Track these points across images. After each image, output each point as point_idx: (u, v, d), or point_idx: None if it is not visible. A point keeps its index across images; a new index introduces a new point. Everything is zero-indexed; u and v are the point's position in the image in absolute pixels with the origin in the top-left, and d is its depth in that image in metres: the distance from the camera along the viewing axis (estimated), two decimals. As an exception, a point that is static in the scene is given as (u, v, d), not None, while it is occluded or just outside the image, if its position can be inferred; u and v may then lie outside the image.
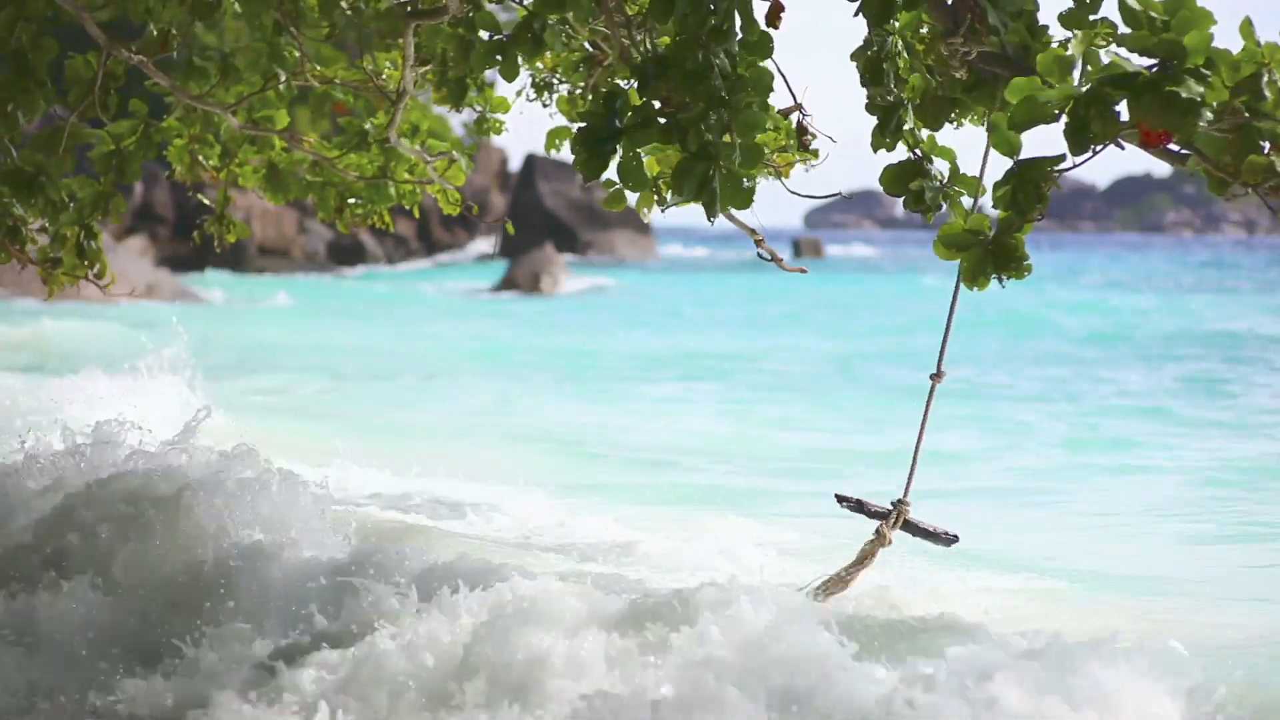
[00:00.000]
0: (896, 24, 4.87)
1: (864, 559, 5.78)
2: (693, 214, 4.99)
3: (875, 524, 5.76)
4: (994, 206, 4.42)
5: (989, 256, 4.47)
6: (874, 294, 43.64)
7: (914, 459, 5.70)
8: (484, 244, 68.29)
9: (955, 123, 5.01)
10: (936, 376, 5.65)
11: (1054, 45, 4.32)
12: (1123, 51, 3.73)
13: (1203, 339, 28.31)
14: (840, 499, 5.78)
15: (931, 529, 5.77)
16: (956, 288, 5.19)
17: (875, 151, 5.02)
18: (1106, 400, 18.45)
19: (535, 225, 62.34)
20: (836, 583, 5.82)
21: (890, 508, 5.73)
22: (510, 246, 60.42)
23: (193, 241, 8.36)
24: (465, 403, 17.86)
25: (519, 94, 6.57)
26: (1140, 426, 15.51)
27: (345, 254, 61.45)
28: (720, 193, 4.62)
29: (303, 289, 43.38)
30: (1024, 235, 4.46)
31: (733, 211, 5.82)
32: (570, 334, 29.28)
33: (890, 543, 5.76)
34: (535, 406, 17.58)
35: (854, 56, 4.93)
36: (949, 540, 5.79)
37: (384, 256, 63.26)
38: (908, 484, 5.70)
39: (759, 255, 5.75)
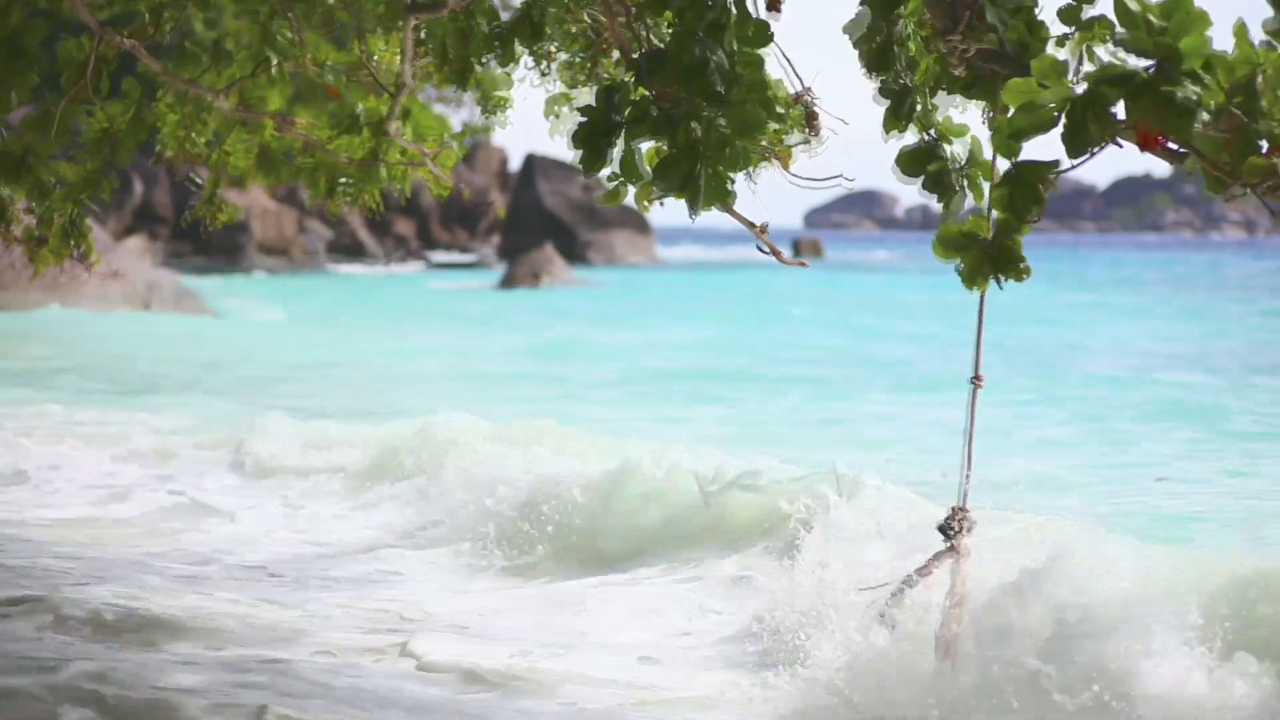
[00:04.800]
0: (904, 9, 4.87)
1: (964, 593, 5.71)
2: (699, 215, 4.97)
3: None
4: (991, 208, 4.42)
5: (987, 258, 4.47)
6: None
7: (967, 465, 5.60)
8: (484, 244, 68.27)
9: (961, 108, 5.01)
10: (976, 380, 5.62)
11: (1053, 40, 4.34)
12: (1120, 52, 3.74)
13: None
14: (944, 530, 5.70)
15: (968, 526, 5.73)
16: (983, 294, 5.20)
17: (888, 133, 5.00)
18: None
19: (535, 225, 62.37)
20: (953, 627, 5.72)
21: (958, 520, 5.64)
22: (510, 246, 60.45)
23: (184, 224, 8.36)
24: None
25: (515, 63, 6.56)
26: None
27: (344, 254, 61.47)
28: (704, 190, 4.61)
29: (304, 290, 43.40)
30: (1021, 237, 4.46)
31: (735, 205, 5.83)
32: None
33: (968, 552, 5.65)
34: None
35: (847, 28, 4.91)
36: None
37: (383, 256, 63.25)
38: (965, 492, 5.58)
39: (759, 249, 5.73)
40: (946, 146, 5.08)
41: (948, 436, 14.18)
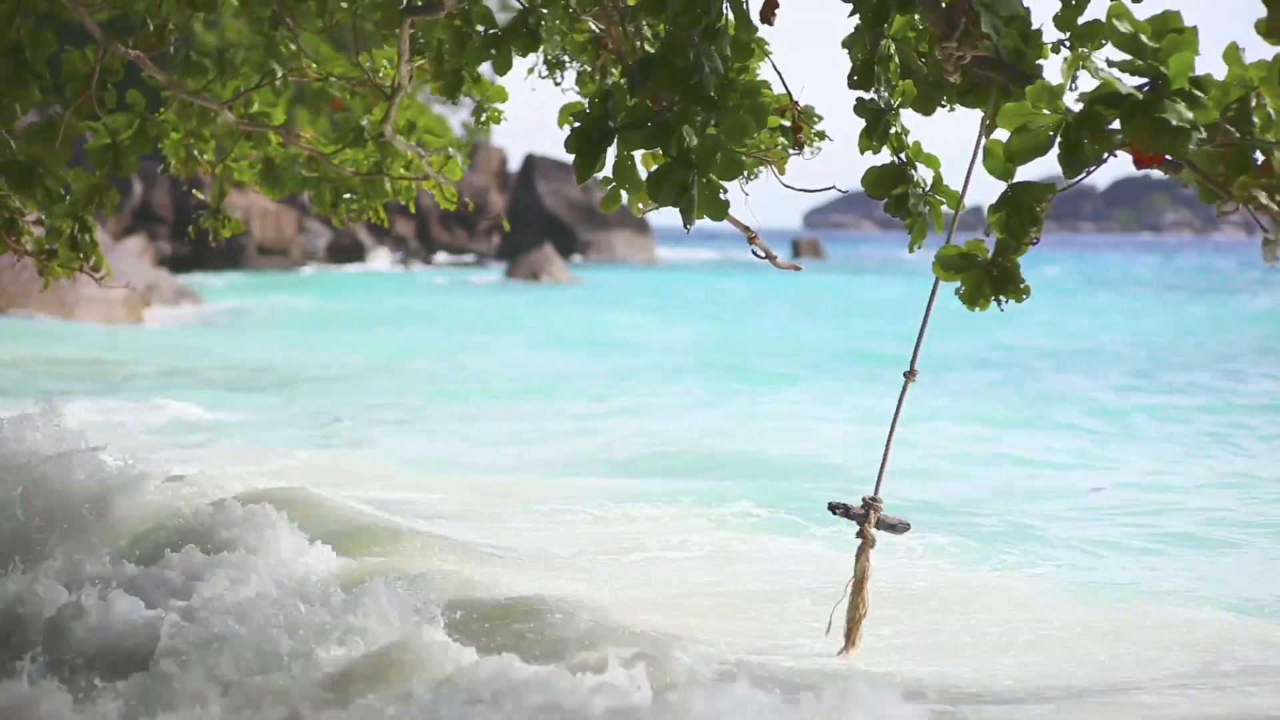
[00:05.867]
0: (890, 27, 4.89)
1: (863, 576, 5.76)
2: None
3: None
4: (988, 229, 4.43)
5: (987, 279, 4.48)
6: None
7: (885, 455, 5.65)
8: (484, 244, 68.29)
9: (948, 106, 5.02)
10: (910, 375, 5.61)
11: (1047, 47, 4.35)
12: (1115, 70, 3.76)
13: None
14: (833, 508, 5.76)
15: (893, 521, 5.78)
16: (934, 289, 5.21)
17: (862, 153, 5.04)
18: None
19: (534, 225, 62.40)
20: (856, 622, 5.80)
21: (863, 508, 5.72)
22: (509, 246, 60.53)
23: (188, 238, 8.36)
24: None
25: (530, 71, 6.57)
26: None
27: (344, 254, 61.49)
28: (698, 200, 4.62)
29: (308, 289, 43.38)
30: (1019, 257, 4.48)
31: (732, 209, 5.84)
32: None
33: (875, 543, 5.74)
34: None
35: (847, 43, 4.94)
36: (903, 528, 5.83)
37: (382, 256, 63.26)
38: (878, 481, 5.66)
39: (754, 253, 5.76)
40: (913, 171, 5.12)
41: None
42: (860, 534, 5.71)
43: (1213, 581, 8.33)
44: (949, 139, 5.20)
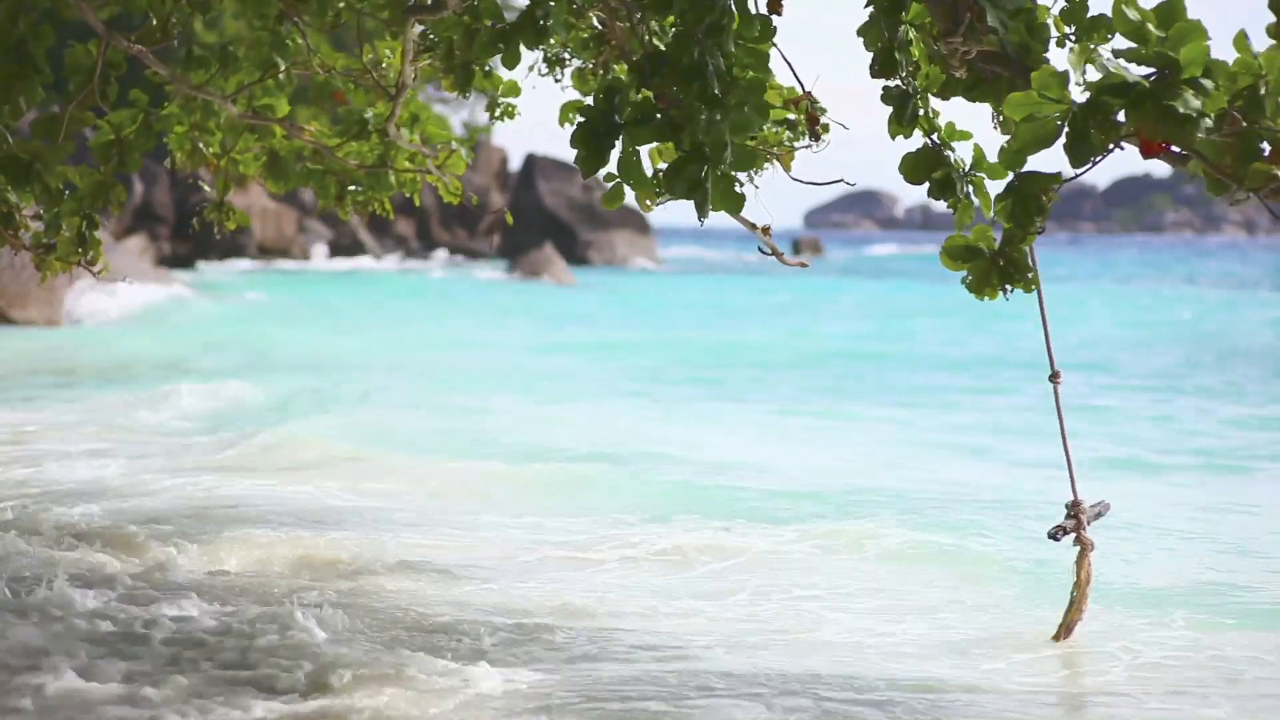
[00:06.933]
0: (906, 14, 4.88)
1: (1087, 575, 5.98)
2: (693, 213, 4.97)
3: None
4: (994, 218, 4.42)
5: (994, 268, 4.48)
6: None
7: (1068, 459, 5.85)
8: (484, 243, 68.29)
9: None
10: (1054, 377, 5.76)
11: (1053, 42, 4.35)
12: (1121, 60, 3.76)
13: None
14: (1053, 536, 5.95)
15: (1098, 511, 6.01)
16: (1039, 294, 5.26)
17: (893, 139, 5.02)
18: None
19: (535, 225, 62.35)
20: (1076, 614, 6.08)
21: (1072, 517, 5.91)
22: (510, 246, 60.49)
23: (191, 230, 8.37)
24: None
25: (530, 69, 6.57)
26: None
27: (344, 253, 61.48)
28: (712, 193, 4.62)
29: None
30: (1026, 246, 4.49)
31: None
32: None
33: (1094, 546, 5.97)
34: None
35: (861, 31, 4.92)
36: (1105, 509, 6.04)
37: (383, 255, 63.23)
38: (1072, 484, 5.86)
39: (760, 249, 5.77)
40: (950, 152, 5.09)
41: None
42: (1078, 541, 5.92)
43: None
44: (968, 122, 5.23)
